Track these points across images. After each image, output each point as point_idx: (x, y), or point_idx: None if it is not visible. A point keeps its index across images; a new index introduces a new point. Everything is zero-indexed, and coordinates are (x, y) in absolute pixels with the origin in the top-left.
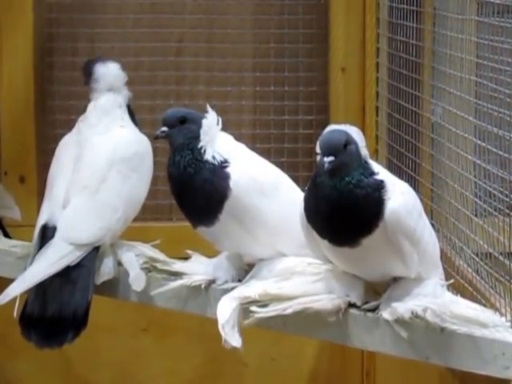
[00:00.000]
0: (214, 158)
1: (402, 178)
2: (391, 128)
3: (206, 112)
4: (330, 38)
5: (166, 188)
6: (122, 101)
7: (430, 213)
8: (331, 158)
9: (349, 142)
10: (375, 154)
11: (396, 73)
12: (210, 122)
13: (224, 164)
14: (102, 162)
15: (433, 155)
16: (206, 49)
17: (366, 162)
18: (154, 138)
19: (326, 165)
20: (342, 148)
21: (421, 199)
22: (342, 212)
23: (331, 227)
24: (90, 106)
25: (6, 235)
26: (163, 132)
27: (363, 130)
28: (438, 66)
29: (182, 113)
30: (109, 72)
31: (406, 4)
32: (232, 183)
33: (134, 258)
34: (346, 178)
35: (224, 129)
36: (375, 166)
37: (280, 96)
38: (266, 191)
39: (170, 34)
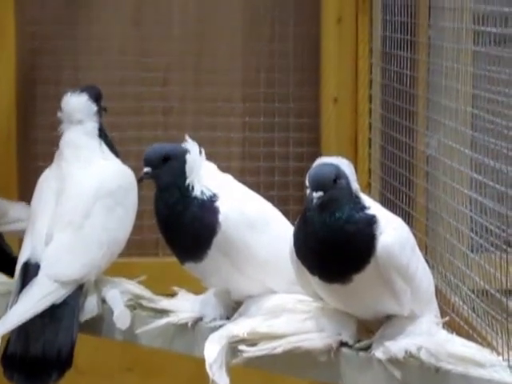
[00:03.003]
0: (202, 193)
1: (395, 213)
2: (384, 161)
3: (187, 142)
4: (321, 68)
5: (152, 222)
6: (93, 132)
7: (425, 248)
8: (320, 194)
9: (339, 176)
10: (368, 188)
11: (389, 104)
12: (194, 155)
13: (213, 198)
14: (85, 196)
15: (427, 189)
16: (194, 78)
17: (357, 197)
18: (138, 180)
19: (315, 200)
20: (332, 183)
21: (415, 234)
22: (332, 248)
23: (321, 263)
24: (62, 141)
25: (6, 256)
26: (147, 173)
27: (355, 163)
28: (432, 97)
29: (164, 151)
30: (74, 104)
31: (400, 33)
32: (221, 218)
33: (118, 295)
34: (336, 214)
35: (212, 161)
36: (367, 201)
37: (270, 127)
38: (255, 226)
39: (156, 63)
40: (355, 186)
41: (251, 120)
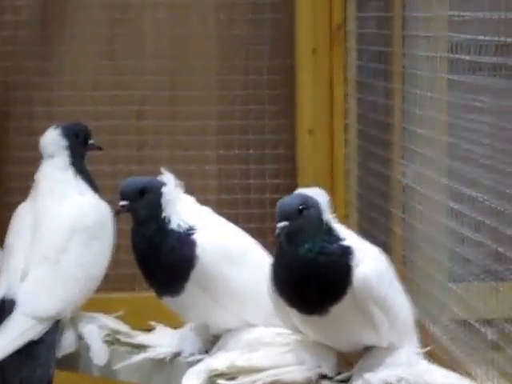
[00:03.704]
0: (179, 226)
1: (373, 243)
2: (361, 191)
3: (163, 175)
4: (296, 99)
5: (128, 257)
6: (64, 166)
7: (403, 279)
8: (283, 224)
9: (306, 205)
10: (345, 219)
11: (365, 134)
12: (170, 188)
13: (190, 231)
14: (61, 231)
15: (404, 219)
16: (169, 112)
17: (330, 227)
18: (115, 214)
19: (277, 231)
20: (296, 213)
21: (393, 264)
22: (307, 280)
23: (298, 296)
24: (37, 175)
25: None
26: (124, 206)
27: (332, 194)
28: (408, 126)
29: (141, 184)
30: (46, 138)
31: (375, 62)
32: (199, 251)
33: (95, 331)
34: (306, 245)
35: (188, 194)
36: (342, 231)
37: (245, 159)
38: (234, 258)
39: (130, 97)
40: (328, 216)
41: (226, 152)
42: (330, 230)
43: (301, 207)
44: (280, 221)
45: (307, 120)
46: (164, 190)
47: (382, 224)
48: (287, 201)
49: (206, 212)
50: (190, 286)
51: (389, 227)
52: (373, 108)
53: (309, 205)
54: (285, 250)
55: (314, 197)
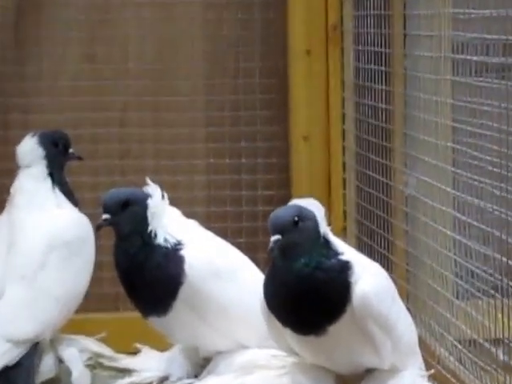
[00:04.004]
0: (166, 240)
1: (373, 258)
2: (360, 202)
3: (148, 186)
4: (290, 104)
5: (111, 274)
6: (41, 177)
7: (406, 295)
8: (277, 237)
9: (302, 218)
10: (343, 232)
11: (364, 141)
12: (156, 200)
13: (177, 246)
14: (39, 247)
15: (407, 231)
16: (153, 118)
17: (328, 241)
18: (96, 228)
19: (271, 245)
20: (291, 225)
21: (395, 280)
22: (303, 297)
23: (292, 314)
24: (13, 186)
25: None
26: (106, 220)
27: (329, 205)
28: (410, 131)
29: (124, 196)
30: (22, 147)
31: (374, 64)
32: (187, 267)
33: (76, 354)
34: (302, 260)
35: (175, 207)
36: (340, 245)
37: (236, 169)
38: (224, 275)
39: (112, 103)
40: (325, 228)
41: (216, 161)
42: (327, 244)
43: (296, 219)
44: (273, 234)
45: (302, 126)
46: (149, 202)
47: (382, 237)
48: (281, 212)
49: (194, 226)
50: (178, 305)
51: (390, 240)
52: (372, 113)
53: (304, 217)
54: (279, 266)
55: (310, 208)
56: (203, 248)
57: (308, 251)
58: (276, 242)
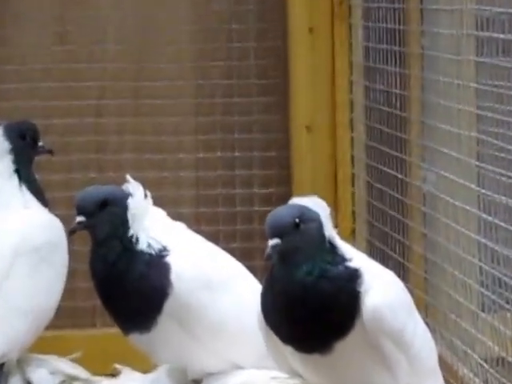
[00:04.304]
0: (149, 246)
1: (386, 265)
2: (372, 201)
3: (128, 184)
4: (290, 89)
5: (87, 285)
6: (6, 174)
7: (424, 308)
8: (275, 242)
9: (304, 219)
10: (352, 235)
11: (376, 131)
12: (137, 200)
13: (162, 253)
14: (4, 253)
15: (425, 234)
16: (134, 106)
17: (334, 246)
18: (69, 233)
19: (268, 250)
20: (292, 228)
21: (411, 291)
22: (305, 310)
23: (294, 330)
24: None
25: None
26: (80, 223)
27: (336, 204)
28: (428, 120)
29: (101, 195)
30: None
31: (386, 43)
32: (173, 277)
33: (47, 377)
34: (304, 267)
35: (159, 207)
36: (348, 250)
37: (229, 164)
38: (215, 286)
39: (87, 89)
40: (330, 231)
41: (206, 155)
42: (333, 249)
43: (297, 221)
44: (271, 238)
45: (304, 115)
46: (130, 202)
47: (397, 241)
48: (280, 213)
49: (181, 229)
50: (163, 320)
51: (406, 245)
52: (384, 99)
53: (307, 218)
54: (278, 274)
55: (313, 208)
56: (192, 254)
57: (311, 257)
58: (274, 246)
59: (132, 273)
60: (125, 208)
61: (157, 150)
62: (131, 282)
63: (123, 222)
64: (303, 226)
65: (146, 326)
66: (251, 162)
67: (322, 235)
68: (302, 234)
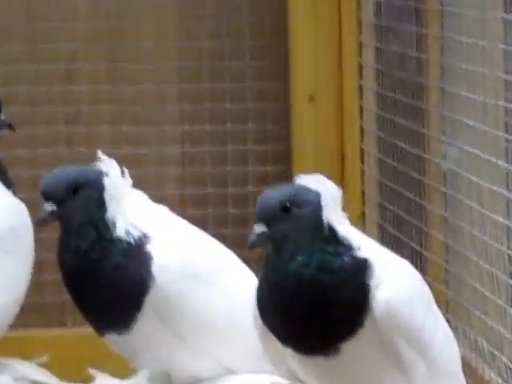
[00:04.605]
0: (128, 233)
1: (401, 254)
2: (384, 181)
3: (103, 162)
4: (290, 53)
5: (56, 278)
6: None
7: (445, 303)
8: (260, 228)
9: (296, 203)
10: (361, 220)
11: (389, 100)
12: (114, 180)
13: (143, 241)
14: None
15: (446, 219)
16: (109, 72)
17: (336, 232)
18: (37, 223)
19: (251, 237)
20: (280, 212)
21: (429, 283)
22: (303, 307)
23: (293, 329)
24: None
25: None
26: (52, 214)
27: (342, 184)
28: (449, 87)
29: (72, 178)
30: None
31: None
32: (155, 268)
33: (11, 383)
34: (299, 258)
35: (139, 188)
36: (356, 238)
37: (219, 138)
38: (203, 278)
39: (56, 52)
40: (334, 216)
41: (192, 128)
42: (334, 236)
43: (288, 204)
44: (258, 223)
45: (306, 81)
46: (105, 182)
47: (413, 226)
48: (269, 196)
49: (165, 213)
50: (144, 318)
51: (424, 231)
52: (398, 62)
53: (300, 201)
54: (272, 266)
55: (315, 189)
56: (176, 242)
57: (307, 247)
58: (260, 234)
59: (107, 263)
60: (100, 190)
61: (136, 122)
62: (106, 274)
63: (98, 207)
64: (295, 210)
65: (123, 325)
66: (245, 135)
67: (320, 221)
68: (292, 220)
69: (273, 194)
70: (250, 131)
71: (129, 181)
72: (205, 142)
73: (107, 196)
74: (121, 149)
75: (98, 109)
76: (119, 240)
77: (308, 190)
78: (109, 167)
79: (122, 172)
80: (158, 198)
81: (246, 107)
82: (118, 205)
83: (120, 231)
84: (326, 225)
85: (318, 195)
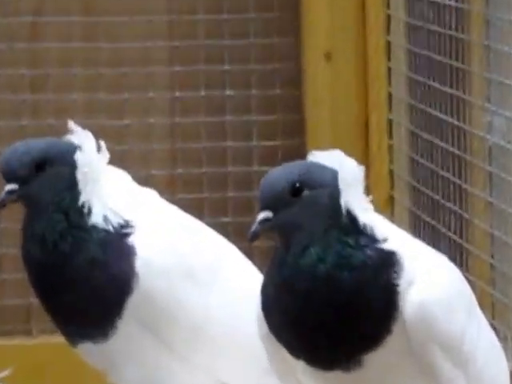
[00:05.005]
0: (106, 220)
1: (437, 247)
2: (416, 157)
3: (75, 134)
4: (302, 2)
5: (19, 276)
6: None
7: (491, 307)
8: (265, 215)
9: (308, 184)
10: (389, 205)
11: (422, 59)
12: (88, 156)
13: (124, 230)
14: None
15: (491, 204)
16: (83, 26)
17: (356, 221)
18: None
19: (254, 226)
20: (289, 196)
21: (472, 283)
22: (318, 312)
23: (307, 339)
24: None
25: None
26: (12, 193)
27: (366, 162)
28: (495, 44)
29: (37, 152)
30: None
31: None
32: (139, 264)
33: None
34: (312, 251)
35: (120, 168)
36: (381, 227)
37: (217, 106)
38: (198, 276)
39: (18, 2)
40: (353, 199)
41: (184, 95)
42: (355, 225)
43: (297, 186)
44: (261, 210)
45: (322, 37)
46: (78, 158)
47: (452, 213)
48: (274, 176)
49: (151, 197)
50: (125, 324)
51: (465, 218)
52: (434, 14)
53: (313, 181)
54: (280, 261)
55: (332, 167)
56: (165, 233)
57: (321, 237)
58: (263, 222)
59: (81, 257)
60: (71, 167)
61: (116, 87)
62: (80, 269)
63: (70, 187)
64: (307, 192)
65: (100, 333)
66: (248, 102)
67: (337, 206)
68: (304, 205)
69: (280, 174)
70: (253, 98)
71: (107, 157)
72: (199, 111)
73: (80, 175)
74: (98, 119)
75: (70, 72)
76: (95, 228)
77: (323, 168)
78: (83, 140)
79: (99, 146)
80: (142, 179)
81: (249, 68)
82: (93, 186)
83: (96, 218)
84: (344, 210)
85: (335, 174)
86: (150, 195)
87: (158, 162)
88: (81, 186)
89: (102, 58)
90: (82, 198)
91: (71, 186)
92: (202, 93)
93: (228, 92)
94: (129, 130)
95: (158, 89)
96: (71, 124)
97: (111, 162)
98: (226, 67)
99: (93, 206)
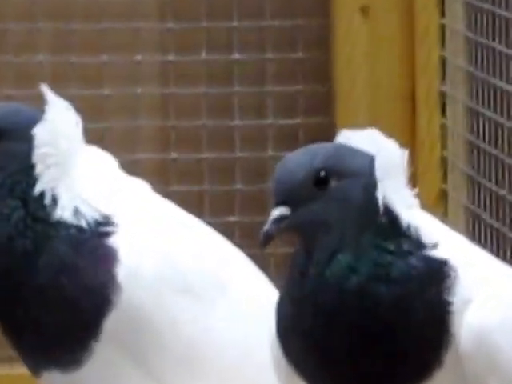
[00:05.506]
0: (77, 213)
1: (502, 256)
2: (477, 142)
3: (45, 102)
4: None
5: None
6: None
7: None
8: (281, 211)
9: (336, 172)
10: (441, 201)
11: (486, 15)
12: (54, 130)
13: (103, 229)
14: None
15: None
16: None
17: (398, 221)
18: None
19: (267, 226)
20: (311, 186)
21: None
22: (350, 335)
23: (331, 369)
24: None
25: None
26: None
27: (412, 146)
28: None
29: None
30: None
31: None
32: (123, 273)
33: None
34: (341, 259)
35: (101, 148)
36: (430, 229)
37: (222, 74)
38: (196, 290)
39: None
40: (393, 192)
41: (180, 59)
42: (396, 226)
43: (322, 175)
44: (276, 205)
45: None
46: (36, 135)
47: None
48: (294, 161)
49: (140, 189)
50: (103, 349)
51: None
52: None
53: (343, 169)
54: (302, 271)
55: (367, 151)
56: (156, 233)
57: (352, 241)
58: (278, 220)
59: (46, 260)
60: (31, 142)
61: (93, 48)
62: (44, 279)
63: (29, 168)
64: (335, 183)
65: (71, 359)
66: (262, 69)
67: (373, 201)
68: (331, 199)
69: (300, 159)
70: (269, 63)
71: (81, 133)
72: (199, 79)
73: (38, 156)
74: (69, 88)
75: (36, 27)
76: (64, 224)
77: (355, 153)
78: (51, 108)
79: (73, 118)
80: (126, 165)
81: (263, 26)
82: (59, 171)
83: (63, 211)
84: (382, 207)
85: (370, 161)
86: (140, 186)
87: (146, 144)
88: (38, 169)
89: (74, 10)
90: (40, 186)
91: (30, 168)
92: (203, 56)
93: (236, 55)
94: (109, 103)
95: (146, 50)
96: (44, 90)
97: (85, 142)
98: (235, 23)
99: (59, 195)
